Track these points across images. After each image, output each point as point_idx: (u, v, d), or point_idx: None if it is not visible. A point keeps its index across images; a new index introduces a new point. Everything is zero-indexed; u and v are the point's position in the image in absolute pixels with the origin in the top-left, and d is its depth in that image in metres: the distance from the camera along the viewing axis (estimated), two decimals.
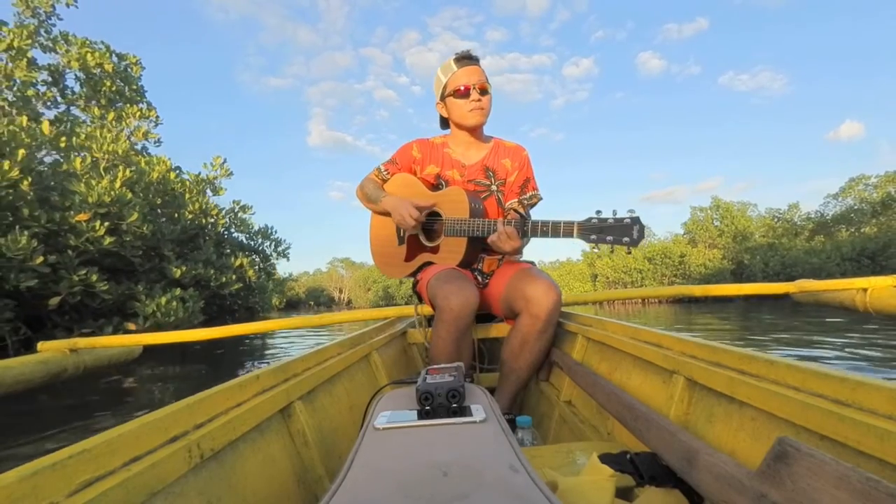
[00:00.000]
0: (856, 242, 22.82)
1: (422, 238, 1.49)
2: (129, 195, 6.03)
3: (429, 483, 0.40)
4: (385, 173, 1.58)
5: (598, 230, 1.15)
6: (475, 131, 1.50)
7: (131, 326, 6.04)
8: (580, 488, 0.60)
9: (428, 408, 0.58)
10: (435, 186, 1.53)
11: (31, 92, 7.63)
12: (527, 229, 1.24)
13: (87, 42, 8.67)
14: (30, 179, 5.24)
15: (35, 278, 5.04)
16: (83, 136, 6.72)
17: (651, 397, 0.89)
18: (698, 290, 1.75)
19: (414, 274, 1.52)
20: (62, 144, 6.31)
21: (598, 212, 1.15)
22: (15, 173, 5.05)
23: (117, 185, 5.82)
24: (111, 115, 8.34)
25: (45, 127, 6.20)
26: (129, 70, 9.37)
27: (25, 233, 4.93)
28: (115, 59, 9.10)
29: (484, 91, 1.42)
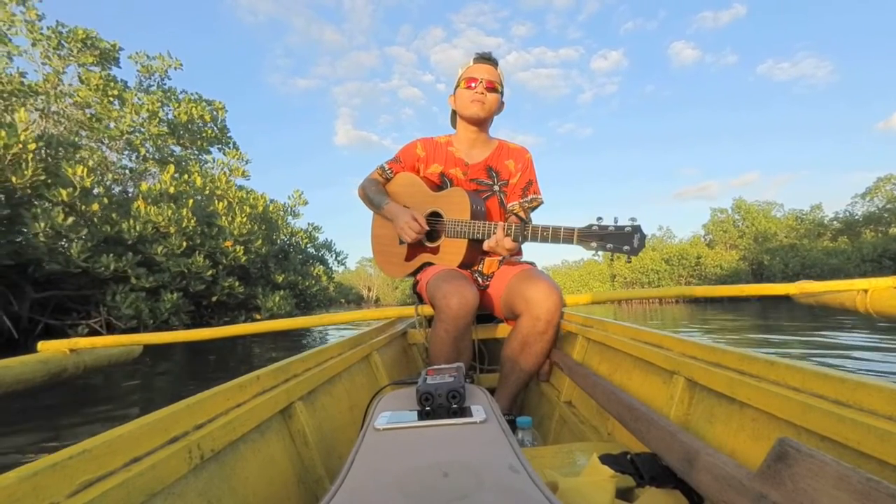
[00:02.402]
0: (878, 243, 22.56)
1: (422, 238, 1.48)
2: (256, 227, 9.06)
3: (429, 483, 0.40)
4: (389, 172, 1.58)
5: (599, 237, 1.14)
6: (477, 127, 1.50)
7: (258, 316, 8.98)
8: (580, 489, 0.60)
9: (428, 408, 0.58)
10: (439, 186, 1.53)
11: (158, 142, 10.62)
12: (527, 234, 1.23)
13: (189, 98, 11.41)
14: (195, 219, 7.84)
15: (202, 285, 7.88)
16: (209, 180, 9.60)
17: (651, 398, 0.88)
18: (701, 290, 1.74)
19: (414, 274, 1.52)
20: (207, 192, 9.27)
21: (599, 218, 1.14)
22: (189, 215, 7.69)
23: (245, 220, 8.70)
24: (220, 161, 11.80)
25: (198, 180, 9.00)
26: (216, 114, 11.98)
27: (200, 255, 7.75)
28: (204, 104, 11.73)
29: (492, 89, 1.44)
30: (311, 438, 0.83)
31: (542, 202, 1.54)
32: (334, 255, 13.19)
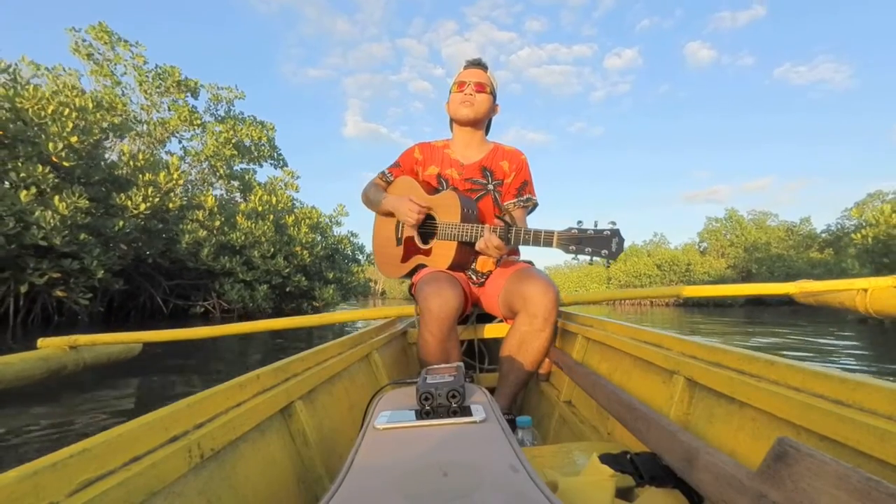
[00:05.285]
0: (859, 255, 23.28)
1: (417, 240, 1.50)
2: (317, 237, 11.96)
3: (429, 483, 0.40)
4: (389, 176, 1.63)
5: (577, 241, 1.14)
6: (471, 128, 1.53)
7: (316, 304, 11.73)
8: (580, 488, 0.60)
9: (428, 408, 0.58)
10: (436, 188, 1.56)
11: (228, 161, 13.09)
12: (510, 237, 1.24)
13: (249, 122, 13.64)
14: (274, 229, 10.36)
15: (280, 279, 10.61)
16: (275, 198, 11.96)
17: (651, 397, 0.89)
18: (702, 290, 1.74)
19: (410, 275, 1.54)
20: (279, 207, 11.58)
21: (580, 222, 1.14)
22: (271, 227, 10.29)
23: (307, 230, 11.38)
24: (278, 178, 13.94)
25: (273, 199, 11.35)
26: (268, 133, 14.09)
27: (281, 257, 10.44)
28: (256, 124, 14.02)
29: (481, 91, 1.49)
30: (311, 438, 0.83)
31: (536, 204, 1.57)
32: (365, 256, 15.75)
